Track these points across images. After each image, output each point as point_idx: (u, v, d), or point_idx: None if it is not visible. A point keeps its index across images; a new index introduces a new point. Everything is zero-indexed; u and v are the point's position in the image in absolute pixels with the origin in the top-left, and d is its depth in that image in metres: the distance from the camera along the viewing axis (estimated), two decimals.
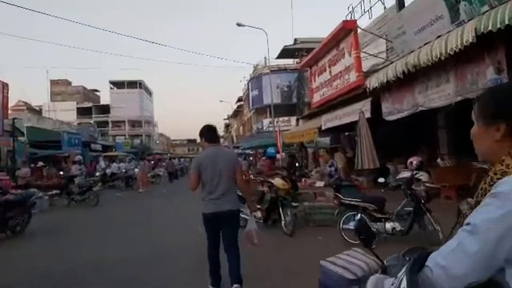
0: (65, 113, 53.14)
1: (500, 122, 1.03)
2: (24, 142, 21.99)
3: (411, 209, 5.54)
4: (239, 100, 53.44)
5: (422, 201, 5.38)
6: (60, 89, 66.81)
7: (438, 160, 10.02)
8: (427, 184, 6.17)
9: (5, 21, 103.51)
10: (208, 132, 4.15)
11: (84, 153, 25.28)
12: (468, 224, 0.92)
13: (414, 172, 6.26)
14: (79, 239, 7.55)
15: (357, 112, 8.85)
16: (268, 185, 7.34)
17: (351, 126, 11.26)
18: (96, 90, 74.75)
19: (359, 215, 5.61)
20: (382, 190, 7.60)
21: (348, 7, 13.07)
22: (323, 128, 11.41)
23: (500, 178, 0.96)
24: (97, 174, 18.83)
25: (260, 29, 25.10)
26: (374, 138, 8.81)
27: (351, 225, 5.48)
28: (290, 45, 35.03)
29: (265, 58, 37.51)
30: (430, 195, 5.75)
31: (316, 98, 12.21)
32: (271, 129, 29.50)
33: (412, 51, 7.39)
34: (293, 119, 27.15)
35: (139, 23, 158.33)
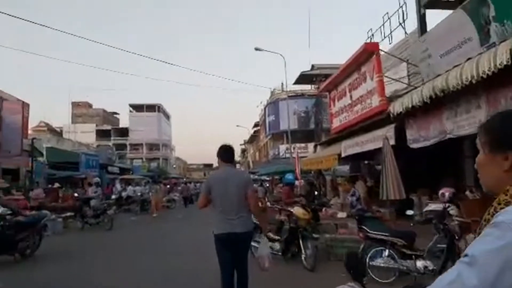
0: (85, 135, 54.09)
1: (509, 151, 1.00)
2: (43, 163, 22.26)
3: (444, 246, 5.08)
4: (256, 125, 53.40)
5: (456, 237, 4.92)
6: (81, 111, 68.36)
7: (467, 192, 9.46)
8: (458, 219, 5.70)
9: (30, 40, 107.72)
10: (224, 152, 4.15)
11: (101, 175, 25.33)
12: (466, 255, 0.88)
13: (446, 205, 5.80)
14: (90, 263, 7.30)
15: (379, 138, 8.48)
16: (286, 214, 6.96)
17: (371, 154, 10.88)
18: (116, 113, 76.24)
19: (387, 251, 5.17)
20: (412, 224, 7.12)
21: (368, 32, 12.92)
22: (343, 155, 11.03)
23: (503, 208, 0.93)
24: (113, 197, 18.71)
25: (278, 53, 25.27)
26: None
27: (379, 262, 5.04)
28: (307, 71, 35.08)
29: (282, 83, 37.71)
30: (462, 231, 5.30)
31: (336, 123, 11.90)
32: (287, 155, 29.16)
33: (438, 75, 7.07)
34: (310, 146, 26.78)
35: (158, 45, 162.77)
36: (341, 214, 7.60)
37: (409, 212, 6.26)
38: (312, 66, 35.23)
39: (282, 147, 34.52)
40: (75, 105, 64.88)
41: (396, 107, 7.89)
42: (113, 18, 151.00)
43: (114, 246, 9.36)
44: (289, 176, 9.78)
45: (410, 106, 7.41)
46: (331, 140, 13.38)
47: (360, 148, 9.74)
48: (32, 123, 54.78)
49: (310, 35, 62.38)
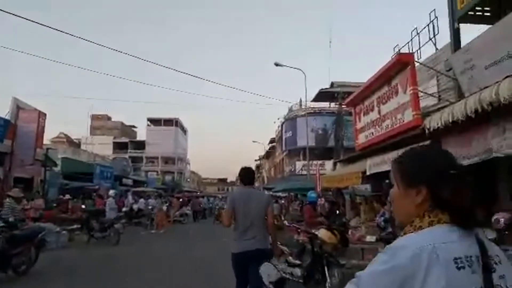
0: (102, 147, 54.42)
1: (421, 186, 1.05)
2: (58, 173, 22.09)
3: None
4: (272, 141, 52.83)
5: None
6: (100, 123, 69.32)
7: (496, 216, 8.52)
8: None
9: (54, 50, 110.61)
10: (244, 175, 4.33)
11: (114, 187, 25.10)
12: (356, 277, 0.96)
13: (504, 233, 4.94)
14: (88, 284, 6.62)
15: None
16: (308, 236, 6.14)
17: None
18: (134, 126, 77.02)
19: None
20: None
21: (394, 48, 12.20)
22: (368, 172, 10.19)
23: None
24: (124, 209, 18.15)
25: (299, 69, 24.73)
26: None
27: None
28: (326, 88, 34.55)
29: (300, 100, 37.17)
30: None
31: (361, 139, 11.07)
32: (304, 172, 28.28)
33: (484, 87, 6.27)
34: (328, 163, 25.91)
35: (175, 57, 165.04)
36: (370, 238, 6.69)
37: None
38: (332, 83, 34.70)
39: (299, 164, 33.74)
40: (94, 117, 65.79)
41: (433, 122, 7.07)
42: (131, 28, 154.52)
43: (117, 264, 8.67)
44: (312, 194, 8.97)
45: (450, 120, 6.60)
46: (354, 157, 12.52)
47: (388, 166, 8.90)
48: (52, 134, 55.86)
49: (331, 52, 61.81)
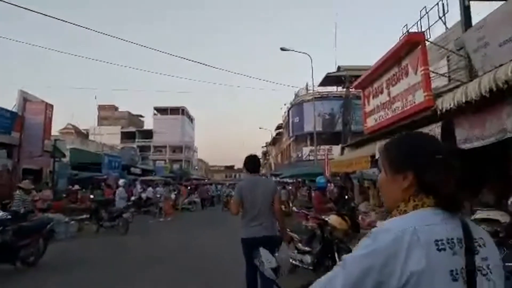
0: (110, 137, 54.64)
1: (408, 171, 1.08)
2: (66, 164, 22.19)
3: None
4: (279, 127, 52.55)
5: None
6: (107, 113, 69.49)
7: None
8: None
9: (60, 40, 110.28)
10: (250, 163, 4.45)
11: (122, 177, 25.20)
12: (342, 259, 0.99)
13: None
14: (97, 274, 6.59)
15: None
16: (318, 222, 6.00)
17: None
18: (141, 116, 77.12)
19: None
20: None
21: (402, 28, 11.83)
22: (377, 156, 9.99)
23: None
24: (132, 198, 18.19)
25: (305, 53, 24.29)
26: None
27: None
28: (333, 72, 34.06)
29: (307, 84, 36.72)
30: None
31: (370, 122, 10.81)
32: (311, 157, 28.08)
33: (499, 65, 6.01)
34: (335, 148, 25.70)
35: (181, 45, 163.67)
36: (381, 223, 6.55)
37: None
38: (338, 67, 34.16)
39: (306, 149, 33.59)
40: (101, 107, 65.94)
41: (445, 103, 6.82)
42: (132, 17, 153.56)
43: (125, 254, 8.64)
44: (321, 180, 8.77)
45: (463, 100, 6.35)
46: (363, 141, 12.29)
47: None
48: (60, 126, 56.19)
49: (336, 36, 60.87)
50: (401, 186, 1.08)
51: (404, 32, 10.95)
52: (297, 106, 37.15)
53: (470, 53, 7.54)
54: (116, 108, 73.30)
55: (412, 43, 7.85)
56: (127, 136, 65.11)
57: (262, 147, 69.63)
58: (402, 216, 1.05)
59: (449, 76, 9.71)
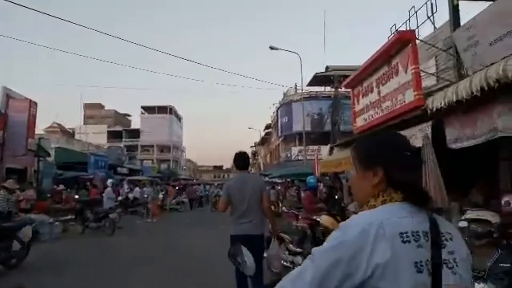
0: (96, 136, 53.86)
1: (377, 167, 1.12)
2: (51, 163, 21.74)
3: (508, 265, 4.03)
4: (267, 127, 52.49)
5: None
6: (93, 112, 68.40)
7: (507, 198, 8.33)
8: None
9: (48, 36, 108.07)
10: (239, 159, 4.43)
11: (109, 176, 24.85)
12: (311, 253, 1.02)
13: None
14: (82, 276, 6.40)
15: (413, 138, 7.44)
16: (309, 223, 5.92)
17: None
18: (128, 115, 76.19)
19: None
20: (466, 239, 6.04)
21: (391, 28, 11.81)
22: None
23: None
24: (119, 198, 17.88)
25: (294, 52, 24.17)
26: None
27: None
28: (322, 72, 34.14)
29: (295, 84, 36.74)
30: None
31: (360, 122, 10.77)
32: (300, 157, 28.09)
33: (491, 64, 6.01)
34: (324, 148, 25.74)
35: (169, 42, 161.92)
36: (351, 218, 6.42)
37: (463, 224, 5.18)
38: (327, 67, 34.24)
39: (295, 149, 33.57)
40: (87, 106, 64.90)
41: (436, 102, 6.81)
42: (122, 14, 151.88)
43: (112, 255, 8.44)
44: (311, 179, 8.67)
45: (454, 99, 6.34)
46: (352, 141, 12.27)
47: None
48: (45, 124, 55.10)
49: (325, 36, 61.01)
50: (371, 182, 1.12)
51: (392, 32, 10.96)
52: (285, 105, 37.15)
53: (460, 52, 7.57)
54: (102, 107, 72.24)
55: (402, 42, 7.83)
56: (113, 135, 64.26)
57: (251, 147, 69.45)
58: (371, 210, 1.08)
59: (437, 76, 9.75)
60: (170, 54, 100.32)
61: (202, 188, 34.11)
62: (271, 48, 22.21)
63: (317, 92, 35.32)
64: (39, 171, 19.19)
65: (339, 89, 21.98)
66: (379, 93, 9.25)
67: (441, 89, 7.74)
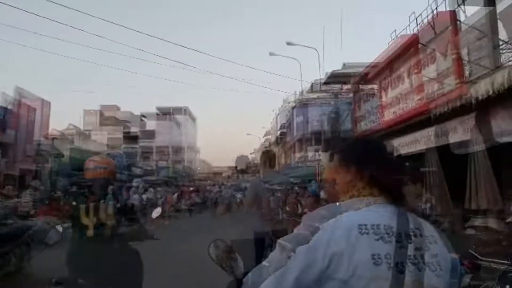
0: (112, 138, 54.11)
1: (351, 165, 1.20)
2: (66, 163, 21.57)
3: None
4: (282, 127, 51.64)
5: None
6: (109, 114, 68.78)
7: None
8: None
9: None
10: (268, 158, 4.78)
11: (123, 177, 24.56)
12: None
13: None
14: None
15: (453, 131, 6.63)
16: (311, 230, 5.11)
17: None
18: (143, 116, 76.43)
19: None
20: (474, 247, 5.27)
21: (391, 34, 10.10)
22: (395, 154, 9.09)
23: None
24: (118, 205, 17.19)
25: (313, 48, 22.87)
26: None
27: None
28: (339, 70, 33.27)
29: (312, 83, 35.88)
30: None
31: (388, 116, 9.92)
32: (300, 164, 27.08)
33: None
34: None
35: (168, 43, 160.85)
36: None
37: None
38: (344, 64, 33.30)
39: (310, 149, 32.68)
40: (103, 108, 65.17)
41: (482, 90, 5.96)
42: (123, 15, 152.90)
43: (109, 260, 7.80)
44: (313, 186, 7.53)
45: (506, 86, 5.50)
46: (378, 138, 11.41)
47: (423, 144, 7.83)
48: (62, 126, 55.60)
49: (342, 35, 59.75)
50: (343, 179, 1.22)
51: (393, 38, 9.65)
52: (301, 105, 36.30)
53: (509, 34, 6.60)
54: (118, 108, 72.62)
55: (441, 23, 6.96)
56: (129, 137, 64.46)
57: (250, 153, 67.97)
58: (340, 204, 1.17)
59: (478, 64, 8.65)
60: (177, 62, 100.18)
61: (216, 189, 33.38)
62: (288, 43, 21.34)
63: (332, 91, 34.48)
64: (53, 172, 18.96)
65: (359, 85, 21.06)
66: (411, 83, 8.39)
67: (479, 78, 6.86)
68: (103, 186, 5.02)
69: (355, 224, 1.02)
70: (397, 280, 0.98)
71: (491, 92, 5.81)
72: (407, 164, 12.71)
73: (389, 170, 1.14)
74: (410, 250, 1.03)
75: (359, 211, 1.08)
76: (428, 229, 1.12)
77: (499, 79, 5.62)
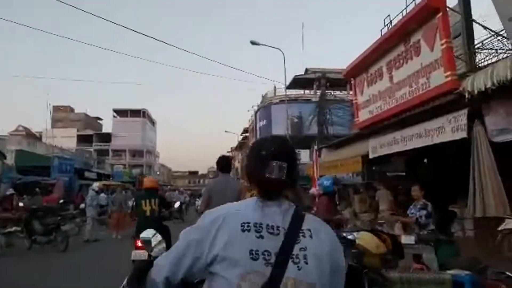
0: (65, 140, 51.10)
1: (248, 168, 1.28)
2: (10, 166, 19.58)
3: None
4: (245, 131, 50.90)
5: None
6: (62, 115, 65.26)
7: None
8: None
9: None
10: (222, 162, 4.67)
11: (72, 181, 22.74)
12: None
13: None
14: None
15: (442, 130, 6.03)
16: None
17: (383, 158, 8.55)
18: (99, 118, 73.12)
19: None
20: None
21: (384, 20, 9.98)
22: (371, 155, 8.53)
23: None
24: (82, 206, 15.64)
25: (277, 48, 22.26)
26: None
27: None
28: (301, 74, 33.12)
29: (275, 87, 35.46)
30: None
31: (364, 115, 9.30)
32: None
33: None
34: (304, 153, 24.45)
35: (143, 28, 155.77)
36: (407, 239, 4.72)
37: None
38: (306, 70, 33.17)
39: None
40: (56, 109, 61.58)
41: (477, 83, 5.39)
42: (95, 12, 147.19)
43: (62, 279, 6.57)
44: (326, 182, 6.25)
45: (508, 77, 4.93)
46: (350, 140, 10.82)
47: (402, 146, 7.23)
48: (10, 128, 51.67)
49: (304, 38, 60.09)
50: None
51: (386, 24, 9.41)
52: (264, 109, 35.76)
53: (503, 22, 6.16)
54: (72, 110, 68.99)
55: (429, 11, 6.37)
56: (83, 139, 61.48)
57: (228, 152, 67.66)
58: (233, 203, 1.28)
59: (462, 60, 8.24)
60: (144, 59, 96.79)
61: (176, 194, 31.77)
62: (253, 43, 20.56)
63: (296, 95, 34.25)
64: None
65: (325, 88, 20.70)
66: (391, 79, 7.81)
67: (476, 69, 6.35)
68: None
69: (238, 222, 1.12)
70: (275, 276, 1.04)
71: (489, 85, 5.22)
72: (374, 168, 12.44)
73: (260, 168, 1.18)
74: (296, 249, 1.10)
75: (244, 209, 1.18)
76: (323, 231, 1.19)
77: (501, 71, 5.05)
